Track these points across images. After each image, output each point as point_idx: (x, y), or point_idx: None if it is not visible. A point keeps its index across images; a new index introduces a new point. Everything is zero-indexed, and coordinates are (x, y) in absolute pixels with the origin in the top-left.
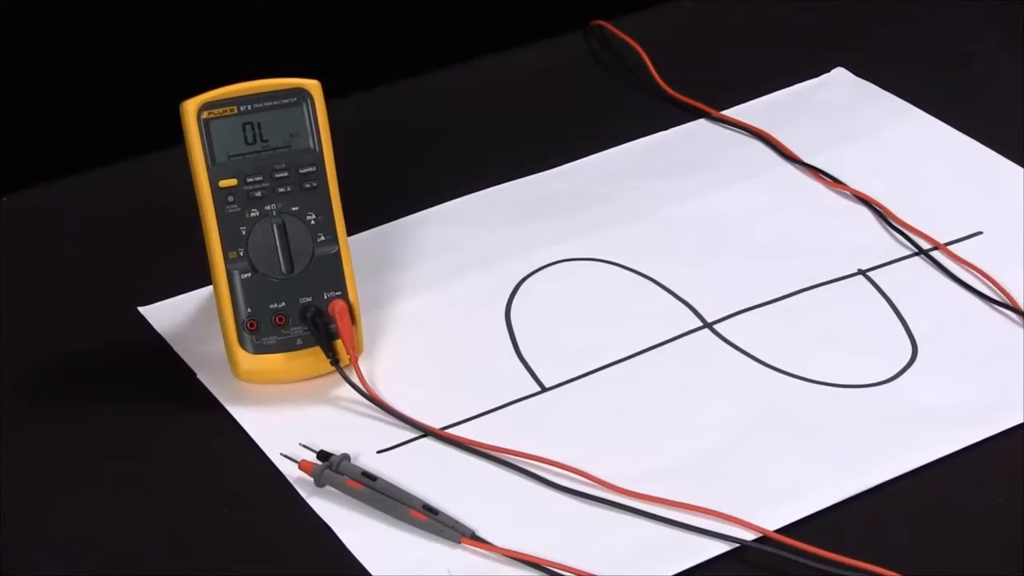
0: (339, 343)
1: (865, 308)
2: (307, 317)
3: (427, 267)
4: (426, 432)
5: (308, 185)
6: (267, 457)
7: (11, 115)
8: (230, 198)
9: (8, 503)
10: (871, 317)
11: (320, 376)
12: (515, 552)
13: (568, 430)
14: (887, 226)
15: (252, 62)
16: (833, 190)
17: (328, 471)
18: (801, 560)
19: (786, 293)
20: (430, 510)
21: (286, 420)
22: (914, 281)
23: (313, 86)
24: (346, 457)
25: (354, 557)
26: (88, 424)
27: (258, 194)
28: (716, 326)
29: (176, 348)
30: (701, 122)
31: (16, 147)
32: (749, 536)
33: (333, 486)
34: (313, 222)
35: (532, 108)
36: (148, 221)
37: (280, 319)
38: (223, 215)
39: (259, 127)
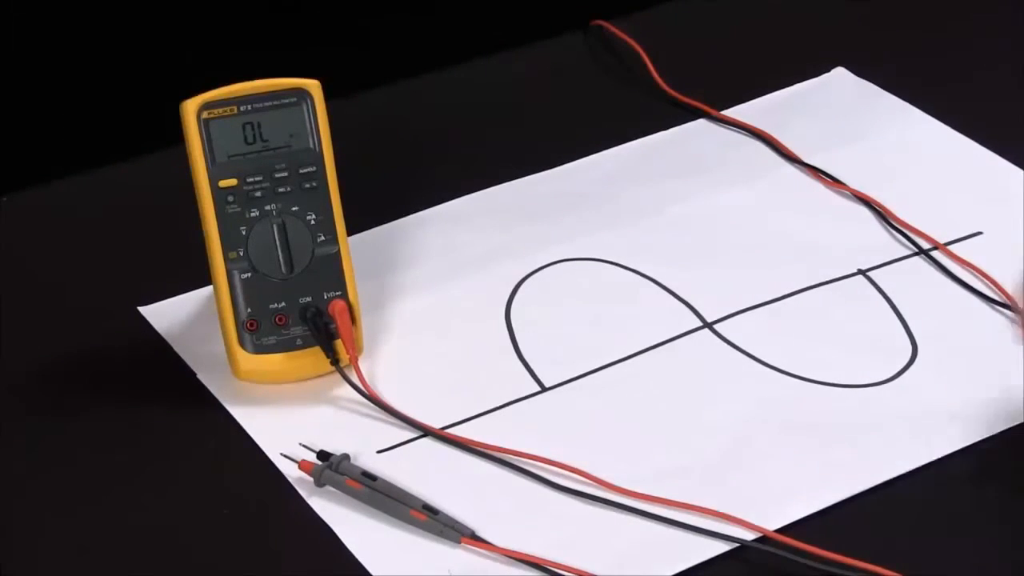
0: (339, 343)
1: (865, 308)
2: (307, 317)
3: (427, 267)
4: (426, 432)
5: (308, 185)
6: (267, 457)
7: (11, 115)
8: (230, 198)
9: (7, 503)
10: (871, 317)
11: (320, 376)
12: (515, 552)
13: (568, 430)
14: (887, 226)
15: (252, 62)
16: (833, 190)
17: (328, 471)
18: (801, 560)
19: (786, 293)
20: (430, 510)
21: (286, 420)
22: (914, 281)
23: (313, 86)
24: (346, 457)
25: (354, 557)
26: (88, 424)
27: (258, 194)
28: (716, 326)
29: (176, 348)
30: (701, 122)
31: (16, 147)
32: (749, 536)
33: (333, 486)
34: (313, 222)
35: (532, 108)
36: (148, 221)
37: (280, 319)
38: (223, 215)
39: (259, 127)
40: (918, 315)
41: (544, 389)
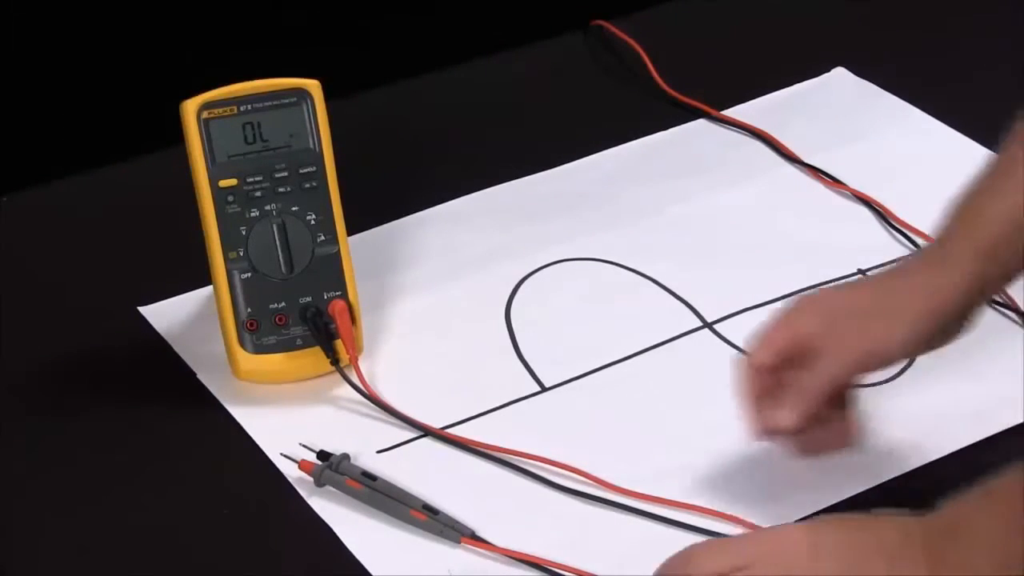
0: (339, 343)
1: None
2: (307, 317)
3: (427, 267)
4: (426, 432)
5: (308, 185)
6: (267, 457)
7: (11, 115)
8: (230, 198)
9: (7, 503)
10: None
11: (320, 376)
12: (515, 552)
13: (568, 430)
14: (887, 226)
15: (252, 62)
16: (833, 190)
17: (328, 471)
18: None
19: (786, 293)
20: (430, 510)
21: (286, 420)
22: None
23: (313, 86)
24: (346, 457)
25: (354, 557)
26: (88, 424)
27: (258, 194)
28: (716, 326)
29: (176, 348)
30: (701, 122)
31: (16, 147)
32: None
33: (333, 486)
34: (313, 222)
35: (532, 108)
36: (148, 221)
37: (280, 319)
38: (223, 215)
39: (259, 127)
40: None
41: (544, 389)
